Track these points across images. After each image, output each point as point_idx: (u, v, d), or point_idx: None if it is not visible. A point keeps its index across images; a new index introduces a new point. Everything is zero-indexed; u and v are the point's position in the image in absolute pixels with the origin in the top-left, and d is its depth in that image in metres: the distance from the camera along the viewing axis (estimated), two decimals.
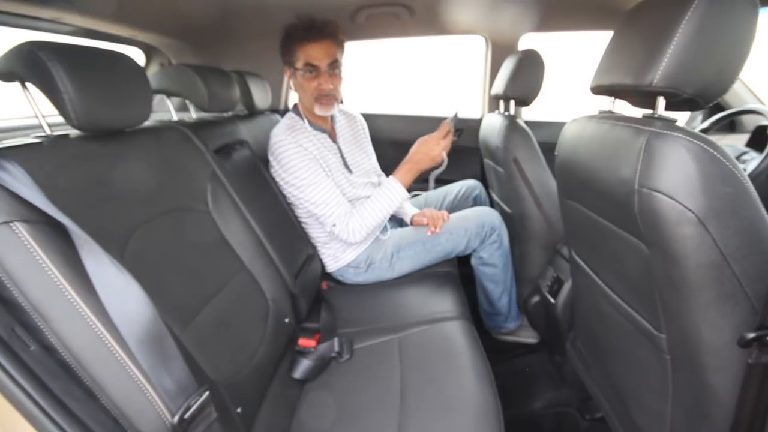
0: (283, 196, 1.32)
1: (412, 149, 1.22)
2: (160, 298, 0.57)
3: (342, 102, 1.95)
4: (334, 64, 1.19)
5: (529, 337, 1.47)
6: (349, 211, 1.21)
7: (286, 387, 0.93)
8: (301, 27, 1.16)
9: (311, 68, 1.17)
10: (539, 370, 1.37)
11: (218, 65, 1.34)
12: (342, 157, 1.33)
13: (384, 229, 1.36)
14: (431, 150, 1.18)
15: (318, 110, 1.22)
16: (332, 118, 1.35)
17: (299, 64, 1.18)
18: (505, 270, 1.37)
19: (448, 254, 1.34)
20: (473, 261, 1.38)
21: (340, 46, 1.20)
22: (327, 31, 1.16)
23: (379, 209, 1.20)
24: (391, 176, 1.22)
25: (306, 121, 1.27)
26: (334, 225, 1.21)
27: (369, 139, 1.51)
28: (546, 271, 1.29)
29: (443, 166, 1.26)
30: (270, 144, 1.23)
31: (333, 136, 1.34)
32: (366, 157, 1.44)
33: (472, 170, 1.89)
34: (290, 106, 2.03)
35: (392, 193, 1.20)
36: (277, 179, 1.26)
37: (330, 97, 1.21)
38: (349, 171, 1.33)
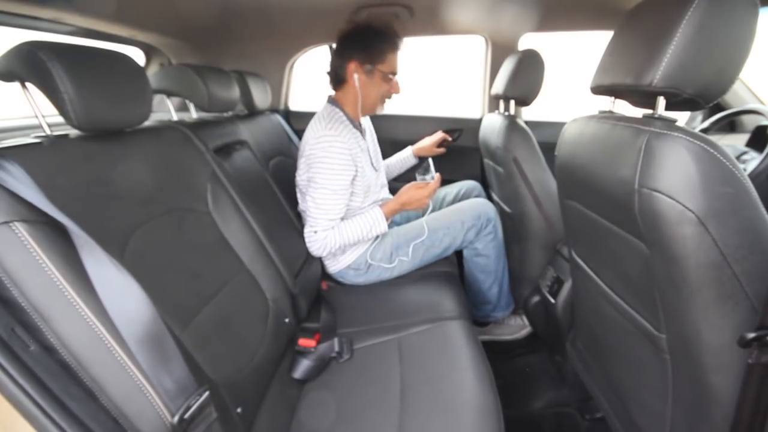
0: (284, 195, 1.32)
1: (404, 191, 1.27)
2: (160, 298, 0.57)
3: None
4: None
5: (519, 328, 1.47)
6: (333, 227, 1.24)
7: (286, 387, 0.93)
8: (394, 34, 1.23)
9: (392, 75, 1.25)
10: (539, 370, 1.37)
11: (218, 65, 1.34)
12: (369, 156, 1.35)
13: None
14: (422, 199, 1.24)
15: (379, 110, 1.30)
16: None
17: (384, 68, 1.22)
18: (497, 261, 1.38)
19: (447, 248, 1.34)
20: (466, 252, 1.39)
21: None
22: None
23: (358, 235, 1.23)
24: (378, 209, 1.26)
25: (346, 117, 1.27)
26: (315, 231, 1.21)
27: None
28: (546, 271, 1.29)
29: (428, 210, 1.37)
30: (318, 130, 1.18)
31: (363, 135, 1.36)
32: (380, 157, 1.50)
33: (472, 170, 1.89)
34: (290, 106, 2.04)
35: (375, 225, 1.25)
36: (301, 164, 1.24)
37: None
38: (375, 169, 1.36)
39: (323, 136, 1.17)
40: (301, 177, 1.27)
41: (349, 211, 1.28)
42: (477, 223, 1.33)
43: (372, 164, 1.35)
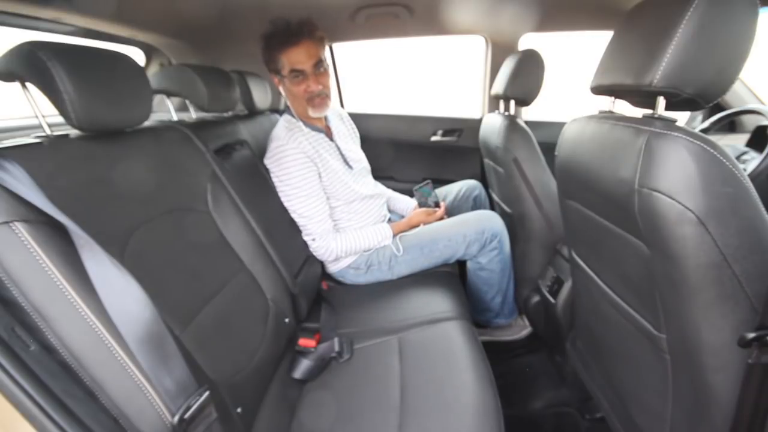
0: None
1: (415, 215, 1.40)
2: (160, 298, 0.57)
3: (342, 106, 1.96)
4: (319, 64, 1.17)
5: (519, 328, 1.47)
6: (330, 230, 1.26)
7: (286, 387, 0.93)
8: (278, 33, 1.14)
9: (297, 73, 1.16)
10: (539, 370, 1.37)
11: (218, 65, 1.34)
12: (341, 154, 1.34)
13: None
14: (430, 224, 1.38)
15: (312, 113, 1.22)
16: (326, 116, 1.36)
17: (285, 72, 1.17)
18: (502, 274, 1.35)
19: (447, 260, 1.33)
20: (469, 264, 1.36)
21: (321, 44, 1.18)
22: (305, 31, 1.13)
23: (364, 244, 1.29)
24: (389, 226, 1.33)
25: (301, 122, 1.27)
26: (313, 239, 1.24)
27: (358, 136, 1.54)
28: (546, 271, 1.29)
29: None
30: (270, 147, 1.23)
31: (329, 135, 1.34)
32: (361, 153, 1.48)
33: (472, 170, 1.89)
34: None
35: (383, 240, 1.31)
36: (273, 181, 1.26)
37: (322, 97, 1.20)
38: (350, 167, 1.35)
39: (274, 149, 1.21)
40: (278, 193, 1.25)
41: (331, 209, 1.29)
42: (480, 238, 1.29)
43: (346, 162, 1.34)
